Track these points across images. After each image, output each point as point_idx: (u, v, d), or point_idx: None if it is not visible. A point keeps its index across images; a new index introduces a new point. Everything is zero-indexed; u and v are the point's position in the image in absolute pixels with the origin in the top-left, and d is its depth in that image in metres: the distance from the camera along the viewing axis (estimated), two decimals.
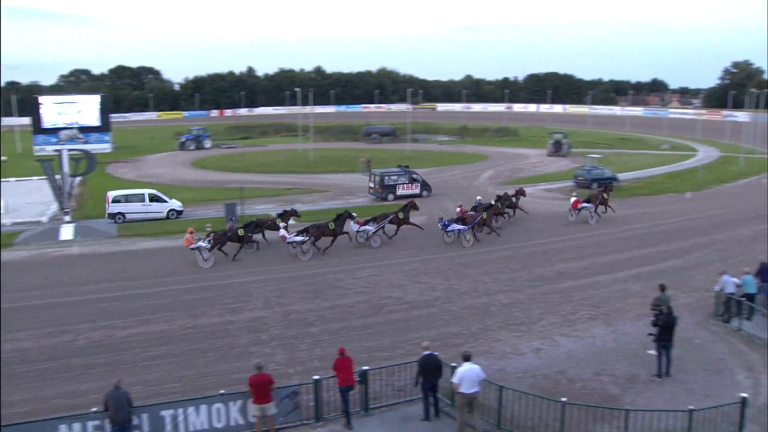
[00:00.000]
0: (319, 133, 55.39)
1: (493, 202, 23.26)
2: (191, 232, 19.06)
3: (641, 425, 9.13)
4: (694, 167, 40.39)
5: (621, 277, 17.51)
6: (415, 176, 29.76)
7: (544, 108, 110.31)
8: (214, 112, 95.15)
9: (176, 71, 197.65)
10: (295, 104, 77.40)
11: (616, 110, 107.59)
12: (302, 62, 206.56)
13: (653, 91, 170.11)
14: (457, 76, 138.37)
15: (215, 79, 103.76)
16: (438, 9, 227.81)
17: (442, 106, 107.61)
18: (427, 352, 9.53)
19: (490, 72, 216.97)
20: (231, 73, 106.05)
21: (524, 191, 25.48)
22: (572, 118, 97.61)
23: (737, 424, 8.97)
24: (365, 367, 9.99)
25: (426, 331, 13.14)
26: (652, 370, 11.24)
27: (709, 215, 26.08)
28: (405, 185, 29.57)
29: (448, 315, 14.25)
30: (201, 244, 18.69)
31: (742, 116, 69.08)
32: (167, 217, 25.21)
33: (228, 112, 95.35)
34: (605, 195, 24.86)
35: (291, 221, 21.04)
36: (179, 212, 25.57)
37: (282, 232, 19.87)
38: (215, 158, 43.49)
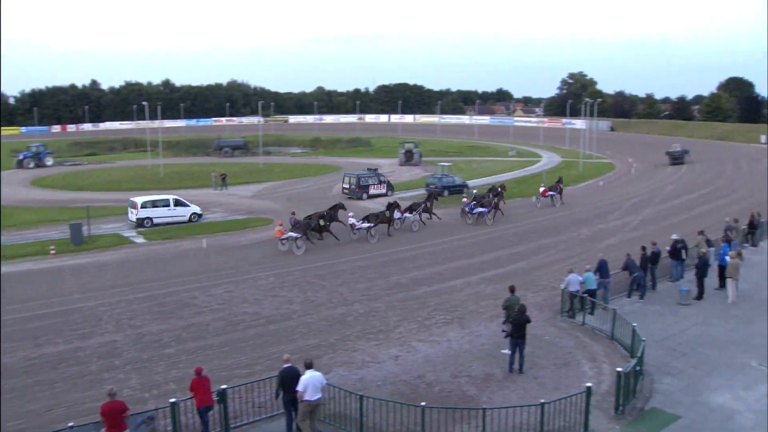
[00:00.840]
0: (168, 148, 54.48)
1: (499, 189, 28.63)
2: (281, 224, 21.71)
3: (498, 422, 9.40)
4: (539, 172, 43.25)
5: (473, 280, 17.86)
6: (382, 178, 34.10)
7: (395, 118, 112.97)
8: (56, 128, 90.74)
9: (11, 84, 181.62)
10: (143, 118, 75.66)
11: (464, 119, 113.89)
12: (149, 75, 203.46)
13: (499, 100, 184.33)
14: (309, 88, 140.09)
15: (56, 92, 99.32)
16: (287, 21, 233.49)
17: (294, 119, 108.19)
18: (287, 365, 9.56)
19: (342, 83, 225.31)
20: (73, 86, 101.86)
21: (505, 187, 29.71)
22: (423, 127, 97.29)
23: (583, 411, 9.52)
24: (223, 386, 9.75)
25: (285, 345, 13.11)
26: (506, 369, 11.74)
27: (554, 217, 27.57)
28: (375, 185, 33.79)
29: (305, 328, 14.27)
30: (291, 234, 21.19)
31: (579, 123, 78.06)
32: (189, 221, 26.62)
33: (71, 128, 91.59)
34: (497, 199, 26.36)
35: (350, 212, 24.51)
36: (200, 215, 27.13)
37: (351, 220, 23.24)
38: (58, 176, 41.71)
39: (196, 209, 27.54)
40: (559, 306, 15.06)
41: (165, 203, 26.89)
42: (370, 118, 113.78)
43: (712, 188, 36.33)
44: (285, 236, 21.58)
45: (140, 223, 26.23)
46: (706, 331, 13.79)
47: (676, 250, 17.14)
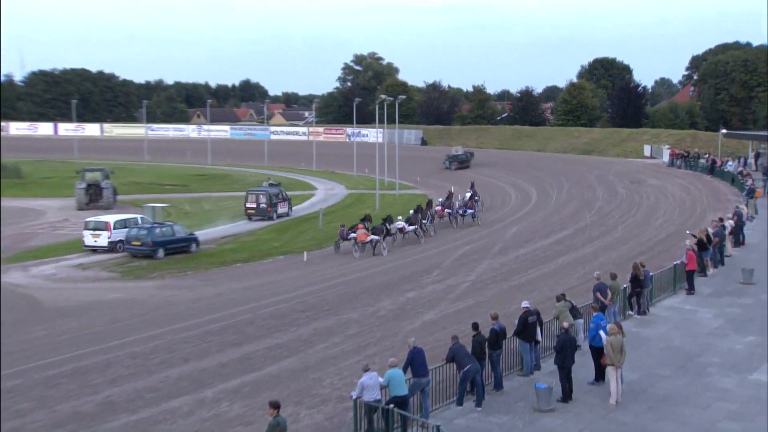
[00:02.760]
0: None
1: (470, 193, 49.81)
2: (361, 228, 38.61)
3: None
4: (313, 212, 50.91)
5: (210, 396, 18.76)
6: (285, 193, 50.71)
7: (68, 128, 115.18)
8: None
9: None
10: None
11: (188, 131, 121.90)
12: None
13: (245, 99, 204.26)
14: None
15: None
16: None
17: None
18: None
19: None
20: None
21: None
22: (119, 144, 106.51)
23: None
24: None
25: None
26: None
27: (338, 283, 31.31)
28: (282, 203, 50.23)
29: None
30: (374, 237, 38.26)
31: (373, 135, 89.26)
32: None
33: None
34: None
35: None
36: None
37: (401, 224, 41.50)
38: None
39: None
40: (350, 427, 15.36)
41: (134, 223, 39.53)
42: (17, 128, 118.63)
43: (574, 228, 43.85)
44: (369, 239, 38.02)
45: (112, 248, 38.08)
46: None
47: (527, 326, 19.02)
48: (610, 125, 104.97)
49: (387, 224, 40.19)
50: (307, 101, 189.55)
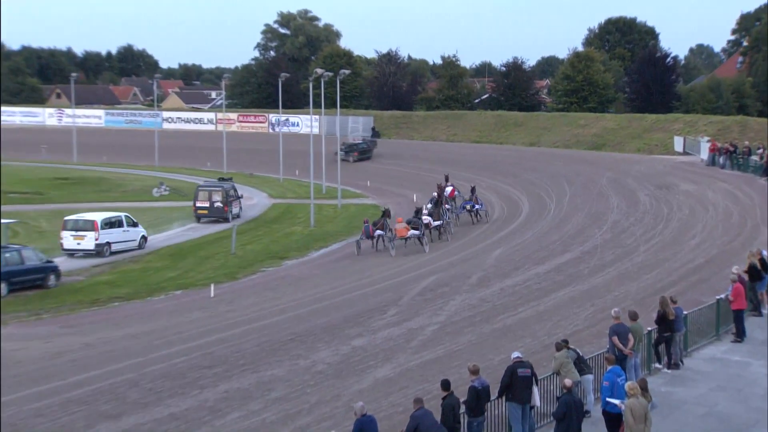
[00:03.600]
0: None
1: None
2: (400, 221, 47.07)
3: None
4: (226, 230, 52.10)
5: None
6: (237, 192, 59.75)
7: None
8: None
9: None
10: None
11: (44, 115, 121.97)
12: None
13: (126, 74, 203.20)
14: None
15: None
16: None
17: None
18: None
19: None
20: None
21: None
22: None
23: None
24: None
25: None
26: None
27: (260, 327, 31.40)
28: (235, 201, 58.73)
29: None
30: (414, 232, 46.32)
31: (305, 123, 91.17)
32: (139, 246, 48.15)
33: None
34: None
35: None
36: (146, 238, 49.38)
37: (427, 219, 48.39)
38: None
39: (143, 230, 48.73)
40: None
41: (119, 222, 47.15)
42: None
43: (579, 250, 44.06)
44: (409, 234, 45.84)
45: (99, 251, 45.33)
46: None
47: (517, 381, 18.84)
48: (629, 110, 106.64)
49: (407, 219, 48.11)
50: (214, 77, 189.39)
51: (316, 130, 71.36)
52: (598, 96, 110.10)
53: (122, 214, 47.90)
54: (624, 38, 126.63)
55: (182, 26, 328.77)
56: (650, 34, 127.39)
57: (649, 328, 23.68)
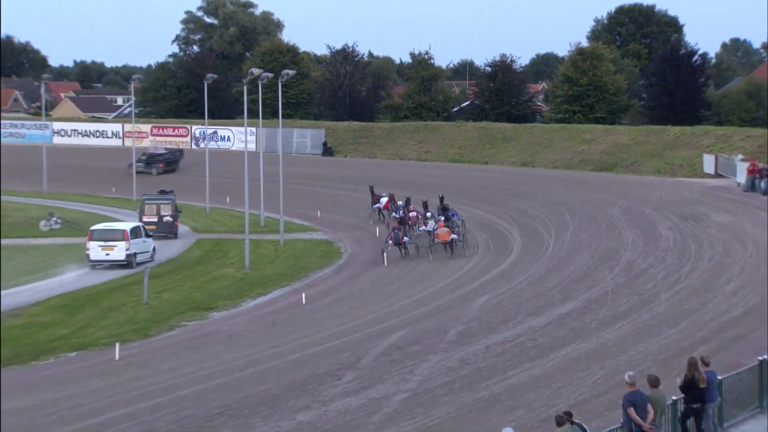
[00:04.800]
0: None
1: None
2: (442, 225, 58.44)
3: None
4: (136, 273, 52.29)
5: None
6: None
7: None
8: None
9: None
10: None
11: None
12: None
13: (7, 73, 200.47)
14: None
15: None
16: None
17: None
18: None
19: None
20: None
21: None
22: None
23: None
24: None
25: None
26: None
27: (171, 401, 30.60)
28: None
29: None
30: (454, 237, 58.50)
31: (237, 136, 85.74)
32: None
33: None
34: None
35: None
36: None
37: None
38: None
39: (152, 242, 58.91)
40: None
41: (139, 232, 57.07)
42: None
43: (585, 297, 43.95)
44: (451, 238, 56.28)
45: (129, 262, 55.04)
46: None
47: None
48: (646, 121, 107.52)
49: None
50: (120, 78, 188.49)
51: (252, 146, 71.34)
52: (608, 103, 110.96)
53: (139, 224, 58.93)
54: (640, 31, 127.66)
55: (78, 14, 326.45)
56: (673, 25, 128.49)
57: (674, 398, 23.66)
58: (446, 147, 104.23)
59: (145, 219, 63.67)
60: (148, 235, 57.33)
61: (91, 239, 54.08)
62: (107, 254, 53.98)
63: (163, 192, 69.76)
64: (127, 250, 53.88)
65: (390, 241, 55.66)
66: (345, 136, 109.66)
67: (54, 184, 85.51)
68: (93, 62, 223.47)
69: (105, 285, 50.64)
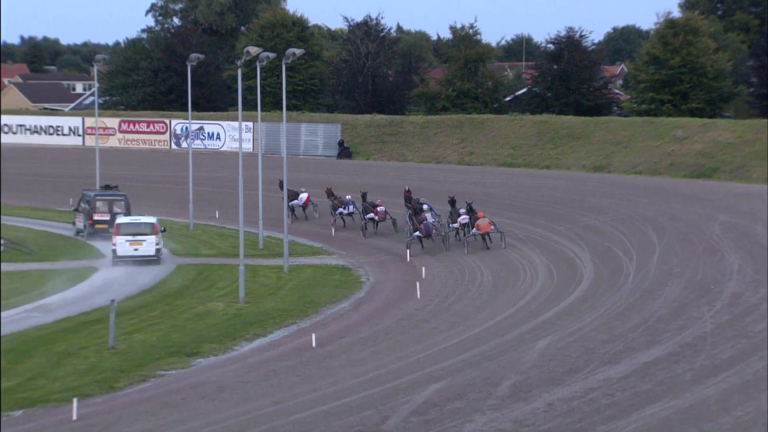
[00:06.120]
0: None
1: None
2: (482, 216, 70.90)
3: None
4: (101, 308, 52.79)
5: None
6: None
7: None
8: None
9: None
10: None
11: None
12: None
13: None
14: None
15: None
16: None
17: None
18: None
19: None
20: None
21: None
22: None
23: None
24: None
25: None
26: None
27: None
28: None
29: None
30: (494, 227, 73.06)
31: (227, 132, 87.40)
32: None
33: None
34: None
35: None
36: None
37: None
38: None
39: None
40: None
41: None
42: None
43: (676, 341, 43.26)
44: (492, 228, 68.78)
45: (158, 257, 65.88)
46: None
47: None
48: (756, 113, 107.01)
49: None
50: (80, 59, 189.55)
51: (248, 146, 71.51)
52: (706, 91, 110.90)
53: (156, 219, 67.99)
54: None
55: None
56: None
57: None
58: (496, 147, 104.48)
59: (96, 217, 72.44)
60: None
61: (118, 234, 63.30)
62: (135, 249, 63.14)
63: (107, 187, 77.42)
64: (157, 244, 63.52)
65: (419, 233, 62.33)
66: (367, 133, 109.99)
67: (11, 196, 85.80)
68: (45, 39, 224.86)
69: (61, 323, 50.39)
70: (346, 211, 75.41)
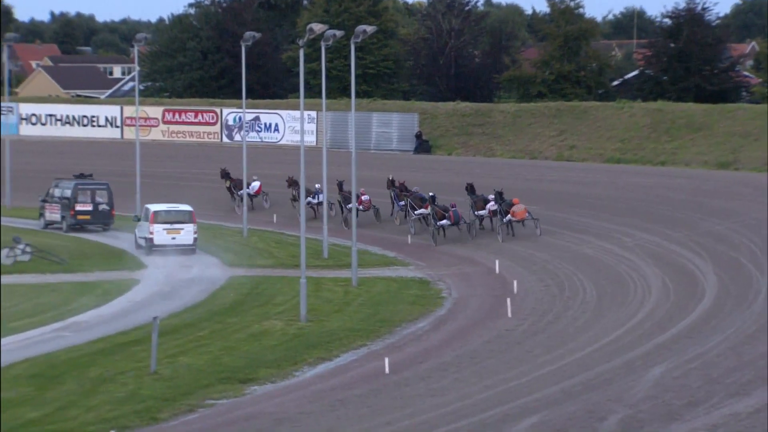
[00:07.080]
0: None
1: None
2: (517, 202, 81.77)
3: None
4: (143, 326, 53.10)
5: None
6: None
7: None
8: None
9: None
10: None
11: None
12: None
13: None
14: None
15: None
16: None
17: None
18: None
19: None
20: None
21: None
22: None
23: None
24: None
25: None
26: None
27: None
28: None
29: None
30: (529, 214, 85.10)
31: (287, 123, 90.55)
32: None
33: None
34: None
35: None
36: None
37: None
38: None
39: None
40: None
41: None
42: None
43: None
44: (527, 215, 79.83)
45: (195, 247, 74.00)
46: None
47: None
48: None
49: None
50: (118, 38, 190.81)
51: (311, 139, 71.74)
52: None
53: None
54: None
55: None
56: None
57: None
58: (601, 140, 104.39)
59: (78, 207, 77.70)
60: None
61: (155, 222, 69.28)
62: (173, 238, 69.53)
63: (82, 176, 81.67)
64: (195, 233, 69.67)
65: (446, 221, 67.35)
66: (449, 124, 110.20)
67: (21, 195, 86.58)
68: (78, 15, 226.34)
69: (94, 344, 50.42)
70: (315, 201, 78.24)
